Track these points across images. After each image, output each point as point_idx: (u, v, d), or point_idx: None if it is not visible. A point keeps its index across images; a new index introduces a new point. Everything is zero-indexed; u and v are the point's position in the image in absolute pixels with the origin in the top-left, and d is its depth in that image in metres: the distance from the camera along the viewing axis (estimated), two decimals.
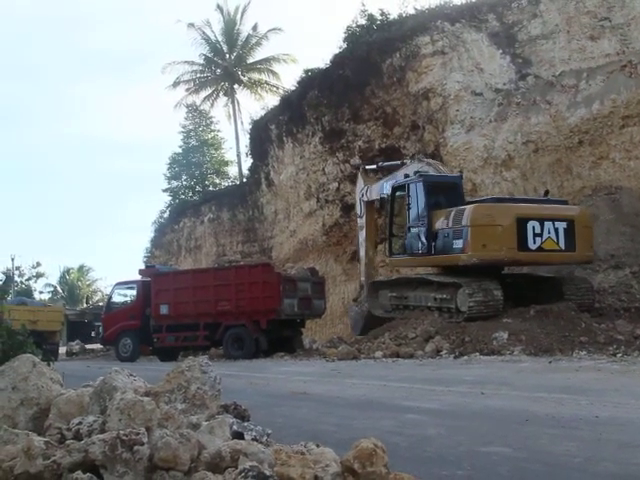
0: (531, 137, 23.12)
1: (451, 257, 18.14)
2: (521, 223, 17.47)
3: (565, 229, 17.85)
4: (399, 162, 23.17)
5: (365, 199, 23.80)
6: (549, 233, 17.71)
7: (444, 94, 25.22)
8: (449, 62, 25.27)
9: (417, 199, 19.24)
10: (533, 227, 17.54)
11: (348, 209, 29.44)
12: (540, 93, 23.26)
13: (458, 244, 17.73)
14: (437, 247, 18.49)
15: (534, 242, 17.56)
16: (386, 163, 24.63)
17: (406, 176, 20.59)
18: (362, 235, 24.16)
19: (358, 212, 24.47)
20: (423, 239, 18.83)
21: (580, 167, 22.43)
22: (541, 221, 17.66)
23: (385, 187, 22.11)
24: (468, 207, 18.00)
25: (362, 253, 24.18)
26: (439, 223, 18.58)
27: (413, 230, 19.34)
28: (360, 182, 24.43)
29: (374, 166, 25.08)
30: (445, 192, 19.34)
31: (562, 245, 17.87)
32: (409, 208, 19.45)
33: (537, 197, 19.98)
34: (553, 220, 17.85)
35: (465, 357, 15.20)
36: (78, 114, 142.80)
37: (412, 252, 19.46)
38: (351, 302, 25.19)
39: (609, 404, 7.66)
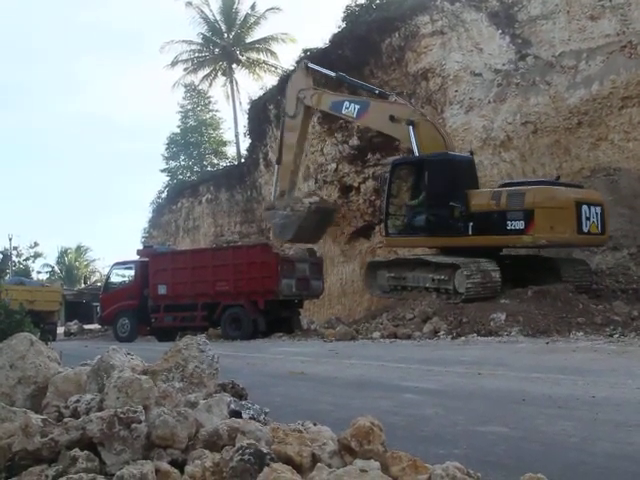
0: (530, 118, 23.06)
1: (506, 238, 17.85)
2: (578, 207, 17.71)
3: (600, 213, 18.18)
4: (376, 90, 22.27)
5: (308, 103, 22.93)
6: (593, 217, 18.00)
7: (443, 74, 25.13)
8: (448, 42, 25.15)
9: (444, 177, 18.81)
10: (585, 211, 17.79)
11: (347, 190, 29.41)
12: (539, 74, 23.16)
13: (517, 225, 17.46)
14: (477, 228, 18.11)
15: (585, 225, 17.82)
16: (353, 79, 23.53)
17: (391, 118, 20.02)
18: (291, 137, 23.38)
19: (290, 112, 23.47)
20: (456, 219, 18.49)
21: (579, 148, 22.39)
22: (589, 205, 17.95)
23: (346, 106, 21.47)
24: (529, 188, 17.76)
25: (288, 157, 23.52)
26: (479, 203, 18.28)
27: (437, 210, 18.83)
28: (300, 80, 23.48)
29: (332, 73, 23.69)
30: (463, 171, 19.15)
31: (599, 228, 18.21)
32: (428, 187, 18.93)
33: (567, 181, 19.91)
34: (595, 205, 18.16)
35: (462, 338, 15.24)
36: (77, 93, 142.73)
37: (434, 232, 18.94)
38: (266, 211, 24.69)
39: (605, 384, 7.69)
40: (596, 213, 18.07)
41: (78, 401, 3.78)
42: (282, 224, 23.07)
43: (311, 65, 24.03)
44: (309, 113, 23.55)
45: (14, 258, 57.79)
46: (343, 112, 21.95)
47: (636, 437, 5.17)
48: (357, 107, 21.32)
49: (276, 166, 24.61)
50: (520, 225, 17.44)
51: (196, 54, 46.42)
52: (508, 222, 17.61)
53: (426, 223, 19.03)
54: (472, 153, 20.61)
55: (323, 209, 23.71)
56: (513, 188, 18.17)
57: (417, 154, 19.42)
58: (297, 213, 22.70)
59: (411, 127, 19.49)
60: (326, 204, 24.78)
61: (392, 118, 20.04)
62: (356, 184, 29.08)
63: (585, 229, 17.83)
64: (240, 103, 45.24)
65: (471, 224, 18.21)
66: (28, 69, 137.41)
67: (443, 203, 18.70)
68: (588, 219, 17.84)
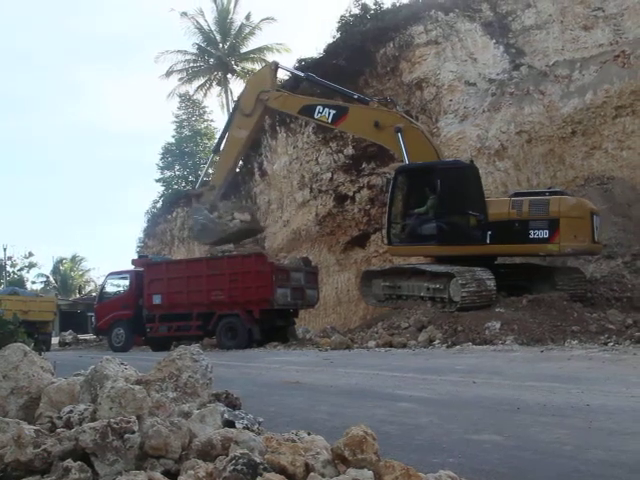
0: (524, 127, 23.16)
1: (529, 247, 17.84)
2: (592, 216, 17.99)
3: (600, 222, 18.49)
4: (355, 95, 21.73)
5: (271, 105, 22.45)
6: (598, 226, 18.31)
7: (437, 84, 25.22)
8: (442, 52, 25.27)
9: (458, 185, 18.63)
10: (595, 220, 18.11)
11: (342, 199, 29.42)
12: (533, 83, 23.28)
13: (541, 234, 17.50)
14: (496, 236, 17.96)
15: (595, 234, 18.15)
16: (324, 81, 22.83)
17: (376, 124, 19.86)
18: (240, 134, 22.88)
19: (247, 110, 22.60)
20: (472, 228, 18.37)
21: (573, 157, 22.49)
22: (596, 215, 18.23)
23: (319, 110, 21.05)
24: (554, 198, 17.79)
25: (230, 153, 23.22)
26: (498, 212, 18.14)
27: (450, 218, 18.62)
28: (264, 80, 22.80)
29: (301, 74, 23.40)
30: (473, 179, 18.93)
31: (598, 237, 18.48)
32: (439, 195, 18.51)
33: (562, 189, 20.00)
34: (597, 214, 18.43)
35: (457, 347, 15.23)
36: (72, 102, 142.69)
37: (445, 241, 18.51)
38: (195, 204, 23.91)
39: (600, 392, 7.69)
40: (600, 222, 18.36)
41: (71, 411, 3.77)
42: (204, 225, 22.97)
43: (282, 66, 23.76)
44: (265, 114, 23.25)
45: (8, 268, 57.62)
46: (316, 116, 21.57)
47: (630, 445, 5.17)
48: (332, 112, 20.97)
49: (210, 155, 24.41)
50: (544, 234, 17.49)
51: (191, 64, 46.51)
52: (531, 231, 17.62)
53: (437, 231, 18.67)
54: (472, 161, 20.46)
55: (251, 230, 23.86)
56: (536, 197, 18.13)
57: (407, 161, 19.38)
58: (224, 227, 22.75)
59: (399, 134, 19.44)
60: (256, 225, 24.79)
61: (377, 124, 19.94)
62: (351, 193, 29.10)
63: (596, 238, 18.15)
64: None
65: (489, 233, 18.10)
66: (25, 77, 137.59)
67: (456, 211, 18.61)
68: (597, 228, 18.13)
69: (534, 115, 22.99)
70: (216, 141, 24.57)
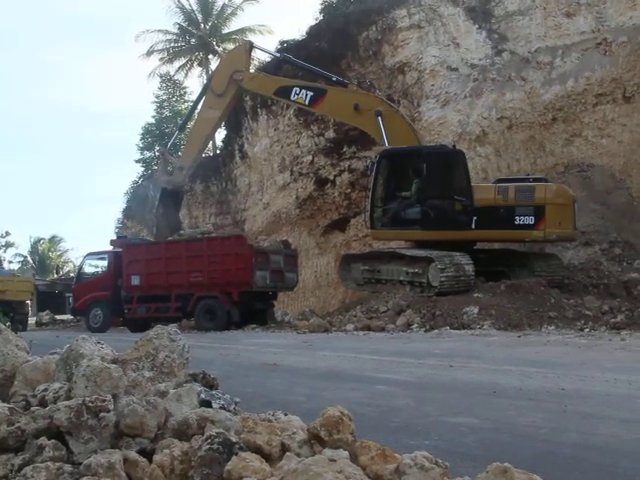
0: (505, 113, 23.22)
1: (514, 232, 18.02)
2: (573, 203, 18.25)
3: (578, 209, 18.63)
4: (333, 77, 21.49)
5: (246, 85, 22.22)
6: (577, 213, 18.51)
7: (420, 68, 25.17)
8: (425, 36, 25.20)
9: (444, 169, 18.66)
10: (576, 207, 18.35)
11: (322, 182, 29.36)
12: (515, 69, 23.32)
13: (526, 220, 17.69)
14: (482, 222, 18.04)
15: (577, 221, 18.44)
16: (301, 62, 22.65)
17: (356, 107, 19.72)
18: (210, 114, 22.66)
19: (219, 90, 22.10)
20: (458, 213, 18.45)
21: (553, 144, 22.60)
22: (575, 202, 18.46)
23: (296, 91, 20.73)
24: (539, 185, 17.97)
25: (200, 132, 23.27)
26: (484, 197, 18.23)
27: (436, 202, 18.61)
28: (239, 59, 22.41)
29: (277, 54, 23.34)
30: (459, 164, 18.92)
31: (577, 224, 18.69)
32: (425, 179, 18.36)
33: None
34: (576, 201, 18.60)
35: (436, 331, 15.31)
36: (51, 82, 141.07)
37: (430, 225, 18.38)
38: (161, 174, 24.24)
39: (575, 377, 7.77)
40: (578, 209, 18.51)
41: (46, 390, 3.74)
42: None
43: (256, 45, 23.49)
44: (238, 95, 22.96)
45: None
46: (292, 98, 21.26)
47: (603, 428, 5.24)
48: (310, 94, 20.67)
49: (176, 132, 25.64)
50: (530, 220, 17.68)
51: (172, 44, 46.06)
52: (516, 217, 17.77)
53: (422, 215, 18.58)
54: (455, 146, 20.40)
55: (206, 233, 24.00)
56: (521, 184, 18.25)
57: (387, 145, 19.30)
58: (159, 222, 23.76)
59: (380, 118, 19.34)
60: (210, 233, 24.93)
61: (356, 107, 19.80)
62: (332, 177, 29.05)
63: (577, 224, 18.44)
64: None
65: (475, 218, 18.17)
66: (4, 56, 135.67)
67: (442, 196, 18.65)
68: (576, 215, 18.34)
69: (515, 101, 23.06)
70: (183, 119, 24.54)
